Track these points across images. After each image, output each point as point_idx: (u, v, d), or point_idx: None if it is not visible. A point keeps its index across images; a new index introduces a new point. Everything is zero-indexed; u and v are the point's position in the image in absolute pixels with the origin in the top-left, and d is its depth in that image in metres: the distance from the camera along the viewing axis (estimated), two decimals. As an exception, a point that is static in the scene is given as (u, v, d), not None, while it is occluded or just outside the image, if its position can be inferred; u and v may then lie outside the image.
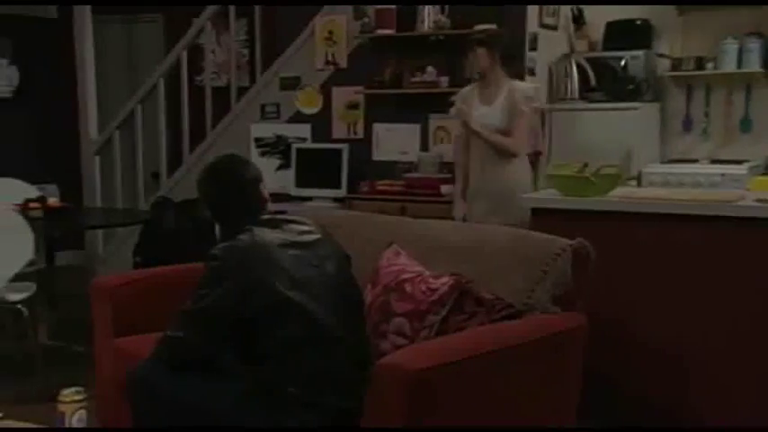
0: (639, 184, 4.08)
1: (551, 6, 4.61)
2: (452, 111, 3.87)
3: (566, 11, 4.76)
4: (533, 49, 4.50)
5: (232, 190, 2.14)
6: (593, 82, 4.54)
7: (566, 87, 4.55)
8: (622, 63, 4.58)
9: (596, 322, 2.25)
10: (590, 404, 2.28)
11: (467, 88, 3.88)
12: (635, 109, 4.44)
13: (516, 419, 1.98)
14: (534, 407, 2.04)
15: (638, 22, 4.80)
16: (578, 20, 4.84)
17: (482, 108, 3.70)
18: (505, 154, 3.65)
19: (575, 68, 4.58)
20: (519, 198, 3.24)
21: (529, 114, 3.67)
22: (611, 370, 2.64)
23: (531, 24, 4.46)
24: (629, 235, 2.74)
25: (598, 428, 2.61)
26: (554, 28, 4.68)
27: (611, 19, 4.85)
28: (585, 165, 2.96)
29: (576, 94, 4.55)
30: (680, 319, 2.67)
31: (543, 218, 2.90)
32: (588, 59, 4.62)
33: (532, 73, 4.53)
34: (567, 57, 4.66)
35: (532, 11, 4.45)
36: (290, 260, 1.99)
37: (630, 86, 4.53)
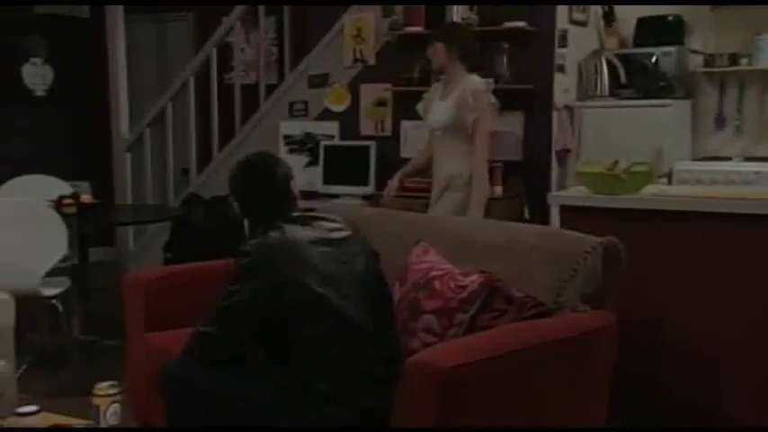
0: (670, 182, 4.03)
1: (581, 2, 4.58)
2: (418, 106, 3.95)
3: (596, 7, 4.72)
4: (563, 45, 4.47)
5: (263, 187, 2.15)
6: (623, 79, 4.50)
7: (596, 84, 4.51)
8: (653, 59, 4.53)
9: (627, 321, 2.23)
10: (620, 404, 2.26)
11: (437, 83, 3.90)
12: (666, 106, 4.39)
13: (545, 418, 1.97)
14: (563, 406, 2.03)
15: (670, 18, 4.74)
16: (609, 16, 4.79)
17: (439, 103, 3.73)
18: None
19: (605, 65, 4.54)
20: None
21: (484, 119, 3.63)
22: (641, 370, 2.61)
23: (561, 21, 4.43)
24: (661, 233, 2.71)
25: (628, 429, 2.58)
26: (584, 24, 4.64)
27: (642, 15, 4.80)
28: (616, 162, 2.92)
29: (607, 92, 4.51)
30: (712, 319, 2.64)
31: (572, 216, 2.88)
32: (619, 56, 4.57)
33: (562, 70, 4.50)
34: (597, 53, 4.62)
35: (562, 7, 4.42)
36: (320, 257, 2.00)
37: (662, 83, 4.48)
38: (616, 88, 4.51)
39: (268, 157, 2.27)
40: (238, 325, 2.00)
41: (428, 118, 3.83)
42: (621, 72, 4.51)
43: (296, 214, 2.12)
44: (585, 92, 4.61)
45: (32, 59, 6.05)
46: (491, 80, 3.94)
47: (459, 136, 3.68)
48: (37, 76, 6.06)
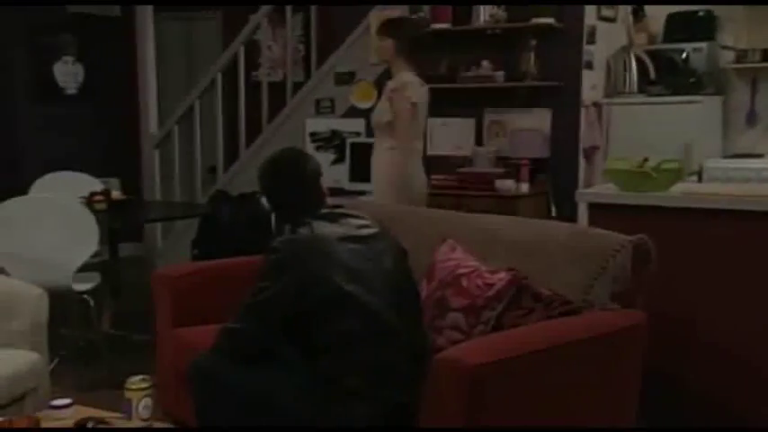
0: (700, 180, 3.97)
1: (610, -2, 4.54)
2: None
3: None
4: (591, 42, 4.43)
5: (293, 183, 2.16)
6: (652, 75, 4.45)
7: (624, 81, 4.48)
8: (684, 55, 4.48)
9: (656, 320, 2.20)
10: (649, 404, 2.24)
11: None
12: (696, 102, 4.33)
13: (574, 418, 1.95)
14: (592, 406, 2.01)
15: (701, 14, 4.68)
16: (638, 12, 4.74)
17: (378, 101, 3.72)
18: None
19: (634, 62, 4.50)
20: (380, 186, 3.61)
21: (403, 111, 3.49)
22: (671, 370, 2.59)
23: (589, 17, 4.40)
24: (691, 231, 2.67)
25: (658, 429, 2.56)
26: (613, 20, 4.60)
27: (672, 11, 4.74)
28: (645, 159, 2.89)
29: (635, 88, 4.48)
30: (743, 319, 2.60)
31: (601, 213, 2.85)
32: (648, 52, 4.53)
33: (590, 66, 4.47)
34: (625, 50, 4.58)
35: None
36: (349, 254, 2.01)
37: (692, 79, 4.43)
38: (645, 85, 4.47)
39: (298, 153, 2.29)
40: (266, 322, 2.01)
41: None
42: (651, 68, 4.47)
43: (324, 211, 2.13)
44: (614, 88, 4.57)
45: (64, 58, 6.13)
46: (411, 80, 3.63)
47: (381, 132, 3.63)
48: (68, 74, 6.15)
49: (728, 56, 4.69)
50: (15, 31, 5.89)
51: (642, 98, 4.44)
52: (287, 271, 1.98)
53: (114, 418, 1.97)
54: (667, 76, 4.45)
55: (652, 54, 4.52)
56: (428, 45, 3.88)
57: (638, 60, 4.49)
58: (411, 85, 3.54)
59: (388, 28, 3.61)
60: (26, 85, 6.00)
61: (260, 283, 2.01)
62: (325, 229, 2.04)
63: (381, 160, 3.66)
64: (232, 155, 5.79)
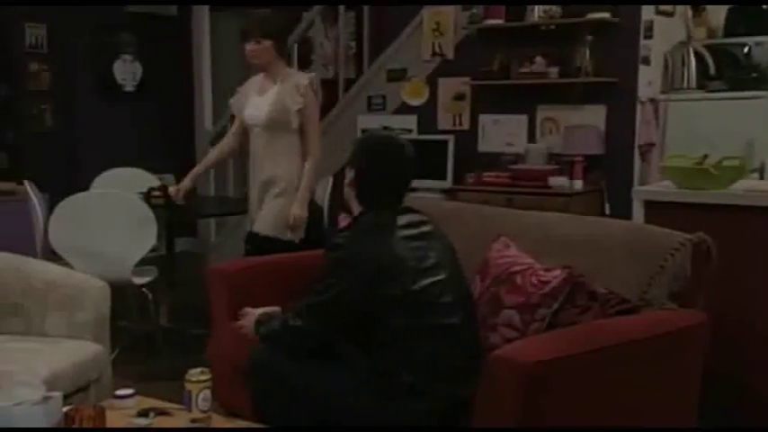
0: (762, 177, 3.87)
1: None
2: (231, 101, 3.59)
3: (684, -3, 4.56)
4: (648, 37, 4.34)
5: (393, 168, 2.11)
6: (712, 70, 4.34)
7: (682, 76, 4.37)
8: (746, 50, 4.35)
9: (717, 321, 2.16)
10: (709, 405, 2.19)
11: (255, 78, 3.51)
12: (759, 98, 4.20)
13: (631, 418, 1.93)
14: (651, 406, 1.98)
15: (765, 6, 4.54)
16: (697, 6, 4.63)
17: (257, 99, 3.37)
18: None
19: (692, 56, 4.39)
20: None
21: (313, 113, 3.35)
22: (731, 370, 2.52)
23: (647, 12, 4.31)
24: (753, 230, 2.60)
25: (717, 430, 2.50)
26: (671, 15, 4.50)
27: (733, 4, 4.61)
28: (705, 156, 2.83)
29: (694, 84, 4.37)
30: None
31: (658, 211, 2.80)
32: (707, 47, 4.42)
33: (647, 62, 4.38)
34: (684, 44, 4.48)
35: (648, -4, 4.30)
36: (412, 251, 2.00)
37: (754, 74, 4.30)
38: (704, 80, 4.36)
39: (401, 139, 2.19)
40: (329, 319, 2.02)
41: (244, 114, 3.45)
42: (710, 63, 4.35)
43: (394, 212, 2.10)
44: (671, 84, 4.47)
45: (123, 56, 6.29)
46: (314, 74, 3.55)
47: (283, 133, 3.33)
48: (127, 71, 6.30)
49: (793, 50, 4.55)
50: (77, 31, 6.07)
51: (701, 94, 4.33)
52: (352, 270, 1.98)
53: (175, 409, 2.02)
54: (728, 72, 4.33)
55: (712, 49, 4.41)
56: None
57: (697, 55, 4.38)
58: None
59: (263, 27, 3.28)
60: (87, 82, 6.18)
61: (324, 281, 2.02)
62: (389, 225, 2.03)
63: (289, 162, 3.37)
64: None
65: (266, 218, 3.40)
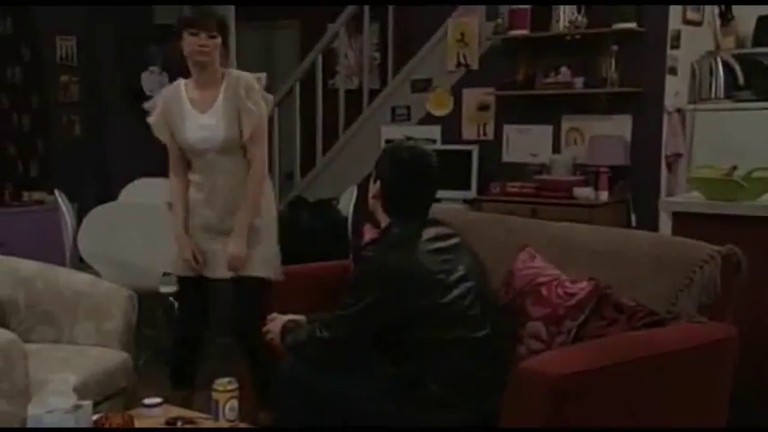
0: (793, 189, 3.81)
1: (696, 1, 4.41)
2: (152, 119, 2.86)
3: (711, 6, 4.53)
4: (675, 47, 4.31)
5: (422, 179, 2.10)
6: (741, 80, 4.29)
7: (710, 86, 4.33)
8: (774, 59, 4.31)
9: (747, 335, 2.13)
10: (739, 419, 2.16)
11: (170, 88, 2.85)
12: (789, 109, 4.16)
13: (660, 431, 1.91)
14: (679, 420, 1.96)
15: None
16: (725, 15, 4.59)
17: (200, 118, 2.70)
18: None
19: (720, 66, 4.35)
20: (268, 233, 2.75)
21: (259, 117, 2.69)
22: (763, 385, 2.49)
23: (674, 21, 4.28)
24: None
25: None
26: (698, 24, 4.47)
27: (763, 13, 4.56)
28: (734, 167, 2.80)
29: (722, 94, 4.33)
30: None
31: (686, 223, 2.78)
32: (736, 56, 4.37)
33: (674, 72, 4.35)
34: (711, 54, 4.44)
35: (675, 7, 4.27)
36: (440, 265, 2.00)
37: (784, 84, 4.25)
38: (733, 90, 4.32)
39: (427, 164, 2.13)
40: (357, 331, 2.03)
41: (186, 138, 2.75)
42: (739, 73, 4.31)
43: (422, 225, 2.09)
44: (698, 94, 4.44)
45: (150, 68, 6.37)
46: (263, 74, 3.01)
47: (236, 150, 2.73)
48: (154, 83, 6.38)
49: (823, 59, 4.49)
50: (105, 43, 6.17)
51: (729, 104, 4.29)
52: (380, 283, 1.98)
53: (201, 419, 2.03)
54: (757, 81, 4.28)
55: (740, 58, 4.37)
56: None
57: (726, 65, 4.35)
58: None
59: (219, 27, 2.71)
60: (115, 94, 6.27)
61: (352, 294, 2.02)
62: (417, 238, 2.03)
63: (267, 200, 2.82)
64: (309, 161, 5.89)
65: (255, 259, 2.75)
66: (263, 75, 2.92)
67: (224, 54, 2.73)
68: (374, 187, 2.14)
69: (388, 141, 5.34)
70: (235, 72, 2.73)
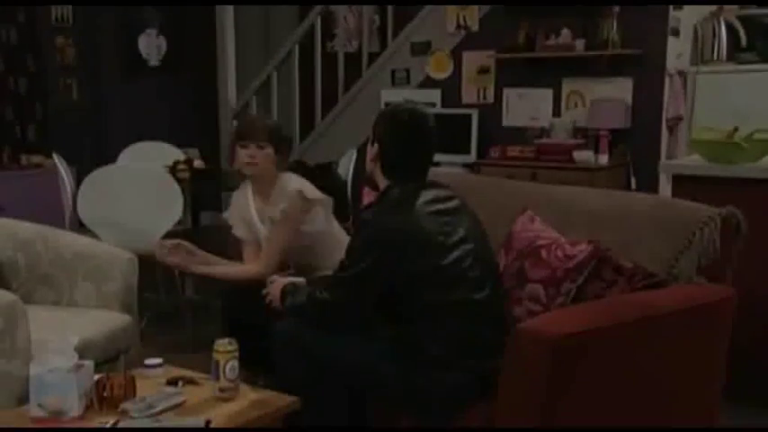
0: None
1: (699, -40, 4.34)
2: (232, 224, 2.80)
3: (716, -34, 4.46)
4: (678, 7, 4.26)
5: (421, 141, 2.09)
6: (744, 42, 4.25)
7: (713, 48, 4.29)
8: (778, 20, 4.26)
9: (745, 296, 2.13)
10: (736, 379, 2.18)
11: (240, 194, 2.77)
12: (793, 70, 4.12)
13: (657, 391, 1.92)
14: (676, 380, 1.97)
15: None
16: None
17: (258, 222, 2.68)
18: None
19: (723, 28, 4.30)
20: None
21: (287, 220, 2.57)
22: (761, 345, 2.50)
23: (677, -20, 4.22)
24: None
25: (743, 405, 2.49)
26: (701, -16, 4.41)
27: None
28: (735, 129, 2.79)
29: (725, 56, 4.28)
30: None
31: (686, 185, 2.77)
32: (739, 17, 4.32)
33: (676, 33, 4.30)
34: (714, 15, 4.38)
35: (678, -33, 4.21)
36: (440, 227, 2.00)
37: (787, 45, 4.21)
38: (735, 52, 4.27)
39: (427, 123, 2.12)
40: (357, 294, 2.03)
41: (260, 238, 2.69)
42: (742, 34, 4.26)
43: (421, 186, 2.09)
44: (700, 56, 4.39)
45: (148, 30, 6.30)
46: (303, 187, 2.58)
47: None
48: (151, 46, 6.31)
49: (828, 20, 4.44)
50: (103, 6, 6.08)
51: (732, 66, 4.25)
52: (380, 247, 1.98)
53: (202, 379, 2.05)
54: (761, 43, 4.24)
55: (744, 19, 4.31)
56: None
57: (729, 26, 4.29)
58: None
59: (270, 136, 2.62)
60: (112, 57, 6.20)
61: (352, 257, 2.02)
62: (417, 201, 2.02)
63: None
64: (308, 125, 5.86)
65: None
66: (303, 189, 2.61)
67: (280, 161, 2.62)
68: (372, 150, 2.12)
69: (387, 105, 5.30)
70: (287, 184, 2.60)
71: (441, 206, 2.05)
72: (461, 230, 2.04)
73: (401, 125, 2.10)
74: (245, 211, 2.72)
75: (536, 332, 1.70)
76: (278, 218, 2.54)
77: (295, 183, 2.61)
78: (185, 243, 2.67)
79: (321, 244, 2.54)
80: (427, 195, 2.05)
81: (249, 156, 2.57)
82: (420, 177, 2.11)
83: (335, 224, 2.69)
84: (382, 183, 2.11)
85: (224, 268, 2.70)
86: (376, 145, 2.11)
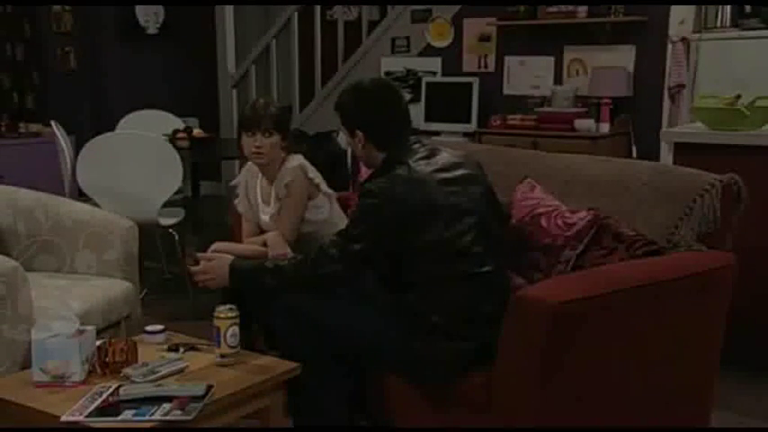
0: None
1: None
2: (236, 201, 2.78)
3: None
4: (681, -27, 4.21)
5: (392, 108, 2.12)
6: (747, 7, 4.20)
7: (716, 14, 4.24)
8: (784, -14, 4.20)
9: (745, 263, 2.13)
10: (735, 346, 2.19)
11: (249, 171, 2.75)
12: (797, 37, 4.07)
13: (657, 359, 1.93)
14: (676, 346, 1.98)
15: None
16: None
17: (265, 207, 2.67)
18: None
19: (727, -7, 4.25)
20: None
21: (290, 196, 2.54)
22: (760, 312, 2.52)
23: (680, -54, 4.17)
24: (785, 172, 2.56)
25: (742, 371, 2.51)
26: (705, -51, 4.34)
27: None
28: (738, 96, 2.77)
29: (728, 22, 4.23)
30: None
31: (688, 153, 2.76)
32: (744, -17, 4.26)
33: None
34: (718, -20, 4.33)
35: (683, -68, 4.15)
36: (446, 197, 1.99)
37: (792, 12, 4.15)
38: (739, 18, 4.22)
39: (391, 83, 2.26)
40: (360, 265, 2.03)
41: (260, 219, 2.69)
42: None
43: (419, 146, 2.08)
44: (704, 23, 4.34)
45: (145, -3, 6.23)
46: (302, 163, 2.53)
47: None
48: (149, 14, 6.24)
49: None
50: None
51: (735, 32, 4.20)
52: (384, 216, 1.97)
53: (203, 345, 2.06)
54: (765, 9, 4.19)
55: (748, -15, 4.26)
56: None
57: (733, -8, 4.24)
58: None
59: (276, 122, 2.56)
60: (110, 24, 6.14)
61: (355, 227, 2.01)
62: (422, 169, 2.01)
63: None
64: (308, 94, 5.82)
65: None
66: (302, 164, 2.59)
67: (286, 146, 2.58)
68: (356, 139, 2.10)
69: (387, 73, 5.27)
70: (288, 162, 2.57)
71: (447, 175, 2.03)
72: (467, 201, 2.02)
73: (369, 94, 2.14)
74: (250, 189, 2.72)
75: (536, 299, 1.71)
76: (284, 192, 2.53)
77: (297, 160, 2.59)
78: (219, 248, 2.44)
79: (323, 232, 2.53)
80: (434, 164, 2.04)
81: (255, 146, 2.52)
82: (407, 132, 2.12)
83: (339, 213, 2.68)
84: (380, 157, 2.10)
85: (253, 246, 2.57)
86: (358, 132, 2.10)
